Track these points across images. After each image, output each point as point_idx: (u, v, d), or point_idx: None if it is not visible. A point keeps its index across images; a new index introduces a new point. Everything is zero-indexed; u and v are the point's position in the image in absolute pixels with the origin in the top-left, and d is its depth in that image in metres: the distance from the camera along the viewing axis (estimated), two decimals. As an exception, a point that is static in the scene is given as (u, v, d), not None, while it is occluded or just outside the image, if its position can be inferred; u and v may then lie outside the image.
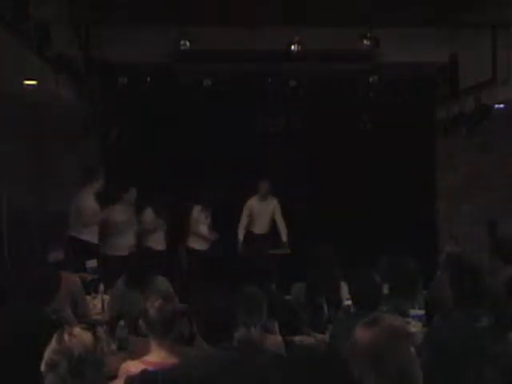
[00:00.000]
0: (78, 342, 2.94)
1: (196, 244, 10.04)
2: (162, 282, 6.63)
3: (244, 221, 10.30)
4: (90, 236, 9.04)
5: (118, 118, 9.75)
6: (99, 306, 6.68)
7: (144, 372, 3.46)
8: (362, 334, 2.62)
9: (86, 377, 2.92)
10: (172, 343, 3.94)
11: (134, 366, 3.69)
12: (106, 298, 6.76)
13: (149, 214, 9.56)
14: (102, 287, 6.88)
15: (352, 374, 2.49)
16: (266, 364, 3.07)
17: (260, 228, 10.37)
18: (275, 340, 4.91)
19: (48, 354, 2.95)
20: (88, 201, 9.09)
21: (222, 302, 3.82)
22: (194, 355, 3.80)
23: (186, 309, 4.40)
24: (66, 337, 2.96)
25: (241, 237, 10.22)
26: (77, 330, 3.04)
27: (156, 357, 3.80)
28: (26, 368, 4.10)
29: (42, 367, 2.97)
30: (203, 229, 10.03)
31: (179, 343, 4.12)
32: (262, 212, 10.35)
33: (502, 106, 9.23)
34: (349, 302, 6.08)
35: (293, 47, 8.88)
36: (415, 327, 5.33)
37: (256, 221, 10.37)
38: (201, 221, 10.02)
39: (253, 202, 10.34)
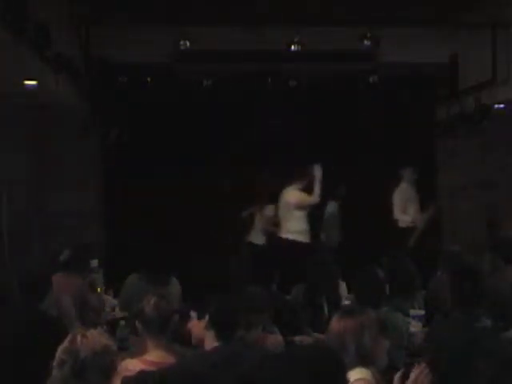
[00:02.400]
0: (87, 344, 2.93)
1: None
2: (175, 284, 6.68)
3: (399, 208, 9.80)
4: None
5: (118, 118, 9.75)
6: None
7: (140, 373, 3.47)
8: (333, 324, 3.39)
9: (89, 381, 2.91)
10: (169, 342, 3.95)
11: (132, 365, 3.69)
12: (108, 298, 6.78)
13: None
14: (102, 287, 6.89)
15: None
16: (261, 364, 3.07)
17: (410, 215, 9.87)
18: (276, 339, 4.92)
19: (59, 352, 2.96)
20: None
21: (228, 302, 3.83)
22: (190, 355, 3.81)
23: (187, 309, 4.41)
24: (79, 338, 2.96)
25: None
26: (93, 332, 3.02)
27: (154, 356, 3.81)
28: (24, 365, 4.12)
29: (54, 363, 2.98)
30: None
31: (177, 343, 4.13)
32: (412, 199, 9.92)
33: (501, 105, 9.22)
34: (348, 302, 6.09)
35: (293, 47, 8.88)
36: (415, 327, 5.34)
37: (407, 208, 9.90)
38: None
39: (404, 188, 9.87)
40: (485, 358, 3.70)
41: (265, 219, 10.05)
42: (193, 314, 4.14)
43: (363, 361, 3.28)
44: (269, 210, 9.94)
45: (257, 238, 10.16)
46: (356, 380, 3.18)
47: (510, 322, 4.84)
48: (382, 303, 4.98)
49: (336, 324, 3.39)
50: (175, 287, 6.70)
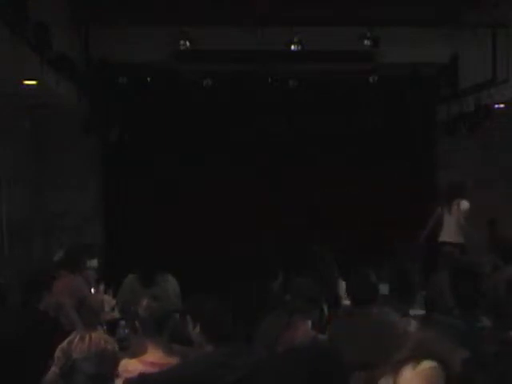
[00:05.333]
0: (82, 347, 2.91)
1: None
2: (171, 282, 6.67)
3: None
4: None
5: (118, 118, 9.75)
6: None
7: (141, 375, 3.46)
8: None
9: (72, 383, 2.89)
10: (168, 342, 3.94)
11: (132, 365, 3.69)
12: (107, 297, 6.77)
13: None
14: (102, 287, 6.89)
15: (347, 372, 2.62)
16: (261, 363, 3.07)
17: None
18: (306, 329, 4.91)
19: (57, 350, 2.97)
20: None
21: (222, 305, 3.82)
22: (191, 356, 3.80)
23: (185, 309, 4.40)
24: (76, 339, 2.95)
25: None
26: (95, 335, 2.99)
27: (153, 356, 3.81)
28: (23, 364, 4.12)
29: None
30: None
31: (177, 343, 4.12)
32: None
33: (502, 105, 9.21)
34: (348, 302, 6.08)
35: (293, 47, 8.88)
36: (415, 327, 5.33)
37: None
38: None
39: None
40: (485, 359, 3.71)
41: (462, 215, 9.36)
42: (189, 318, 4.11)
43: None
44: (463, 204, 9.34)
45: (452, 236, 9.53)
46: (432, 367, 3.19)
47: (510, 323, 4.84)
48: (375, 304, 4.96)
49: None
50: (171, 284, 6.70)
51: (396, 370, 3.31)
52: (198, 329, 3.81)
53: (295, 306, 4.44)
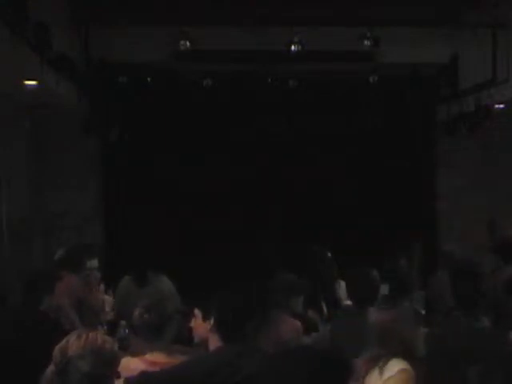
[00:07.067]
0: (78, 345, 2.91)
1: None
2: (165, 282, 6.68)
3: None
4: None
5: (118, 118, 9.74)
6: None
7: (142, 374, 3.46)
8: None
9: (70, 382, 2.88)
10: (168, 344, 3.94)
11: (133, 363, 3.70)
12: (107, 298, 6.78)
13: None
14: (102, 287, 6.89)
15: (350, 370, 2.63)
16: (262, 363, 3.07)
17: None
18: (293, 324, 4.93)
19: (56, 348, 2.97)
20: None
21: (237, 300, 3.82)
22: (191, 357, 3.80)
23: (186, 310, 4.41)
24: (73, 337, 2.95)
25: None
26: (93, 334, 2.98)
27: (155, 356, 3.81)
28: (23, 365, 4.12)
29: None
30: None
31: (178, 343, 4.12)
32: None
33: (502, 105, 9.21)
34: (349, 302, 6.09)
35: (293, 47, 8.87)
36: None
37: None
38: None
39: None
40: (484, 358, 3.71)
41: None
42: (197, 312, 4.11)
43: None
44: None
45: None
46: (400, 370, 3.21)
47: (510, 323, 4.84)
48: (376, 303, 4.97)
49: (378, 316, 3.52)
50: (166, 285, 6.71)
51: (365, 369, 3.31)
52: (210, 322, 3.80)
53: (275, 302, 4.48)
